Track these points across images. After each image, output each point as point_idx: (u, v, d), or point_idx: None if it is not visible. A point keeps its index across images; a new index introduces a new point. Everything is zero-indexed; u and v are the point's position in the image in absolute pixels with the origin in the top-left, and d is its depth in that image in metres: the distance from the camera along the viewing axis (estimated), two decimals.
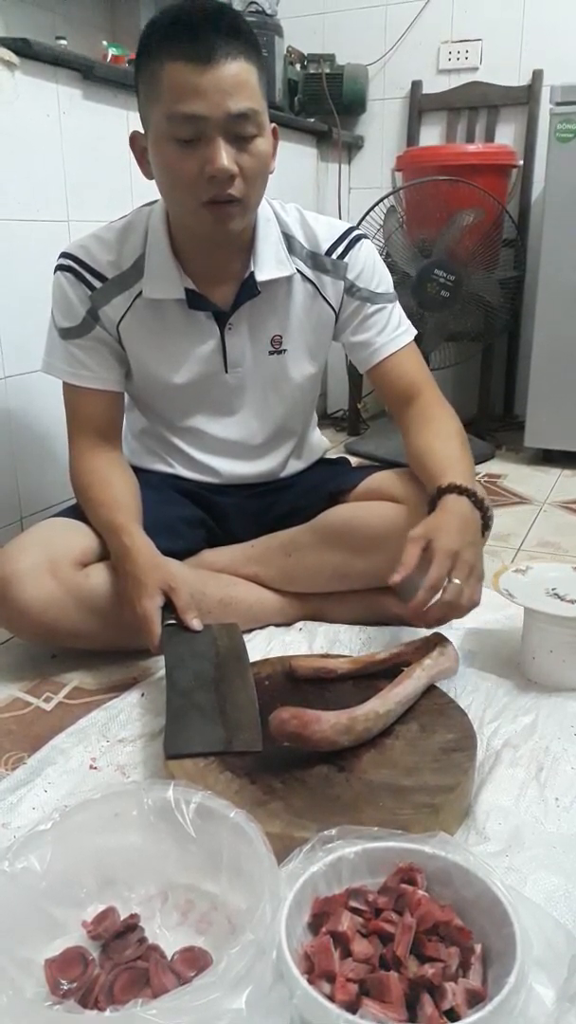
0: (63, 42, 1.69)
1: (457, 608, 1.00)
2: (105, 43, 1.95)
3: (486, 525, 1.10)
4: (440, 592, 0.98)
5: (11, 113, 1.45)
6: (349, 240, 1.23)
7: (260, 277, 1.18)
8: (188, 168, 1.02)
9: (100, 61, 1.70)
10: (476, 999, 0.60)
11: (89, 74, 1.58)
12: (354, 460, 1.52)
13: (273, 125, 1.09)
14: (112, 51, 1.91)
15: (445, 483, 1.09)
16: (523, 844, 0.81)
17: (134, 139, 1.11)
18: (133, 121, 1.68)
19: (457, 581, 0.99)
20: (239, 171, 1.03)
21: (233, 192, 1.03)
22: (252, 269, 1.18)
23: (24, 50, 1.44)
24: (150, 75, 1.01)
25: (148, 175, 1.11)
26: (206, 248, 1.15)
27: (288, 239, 1.21)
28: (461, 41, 2.54)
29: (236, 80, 0.99)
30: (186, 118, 0.99)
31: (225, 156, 1.00)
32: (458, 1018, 0.58)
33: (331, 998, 0.58)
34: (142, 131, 1.09)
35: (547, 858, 0.79)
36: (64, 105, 1.57)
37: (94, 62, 1.60)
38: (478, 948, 0.64)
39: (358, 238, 1.24)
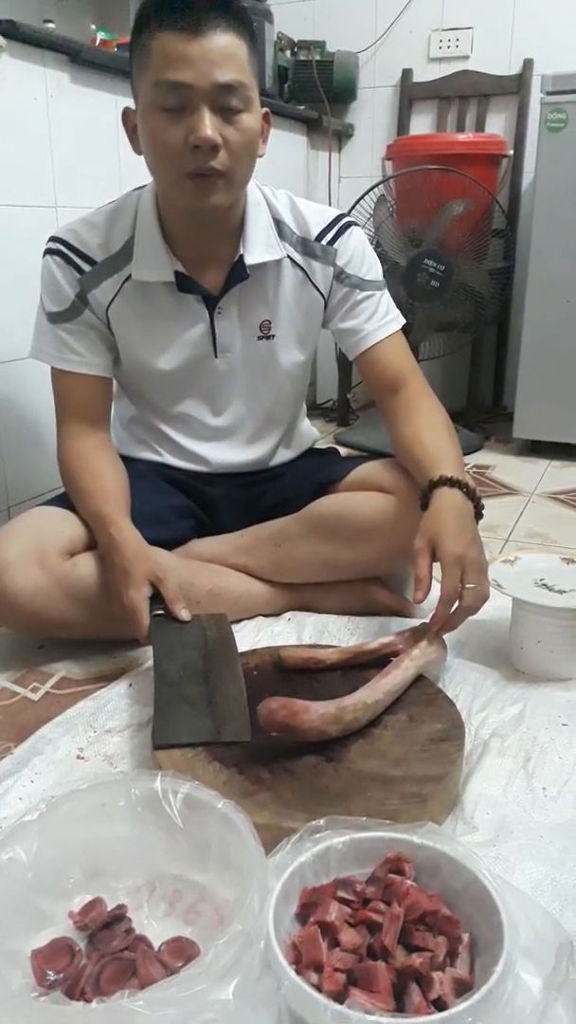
0: (51, 25, 1.67)
1: (472, 611, 1.03)
2: (93, 27, 1.93)
3: (478, 515, 1.10)
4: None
5: None
6: (339, 227, 1.23)
7: (249, 261, 1.17)
8: (172, 137, 1.02)
9: (88, 45, 1.68)
10: (463, 988, 0.60)
11: (77, 58, 1.56)
12: (343, 450, 1.52)
13: (265, 110, 1.09)
14: (100, 35, 1.89)
15: (436, 475, 1.09)
16: (511, 833, 0.81)
17: (126, 115, 1.10)
18: (122, 106, 1.64)
19: (471, 586, 1.01)
20: (224, 143, 1.02)
21: (216, 165, 1.03)
22: (242, 252, 1.17)
23: (11, 32, 1.42)
24: (141, 46, 1.02)
25: (138, 151, 1.10)
26: (194, 229, 1.14)
27: (278, 224, 1.21)
28: (452, 29, 2.53)
29: (224, 52, 0.99)
30: (172, 86, 0.99)
31: (209, 126, 1.00)
32: (445, 1007, 0.58)
33: (319, 988, 0.58)
34: (134, 108, 1.08)
35: (534, 847, 0.79)
36: (52, 89, 1.55)
37: (82, 46, 1.58)
38: (466, 937, 0.64)
39: (348, 225, 1.24)
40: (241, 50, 1.01)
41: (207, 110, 1.00)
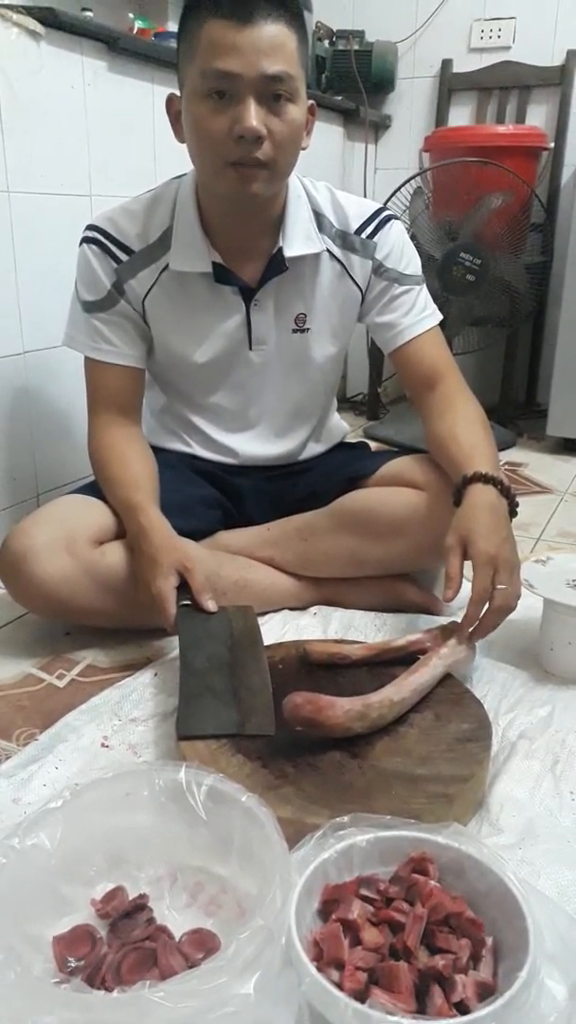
0: (89, 13, 1.66)
1: (507, 612, 1.01)
2: (131, 15, 1.93)
3: (512, 513, 1.08)
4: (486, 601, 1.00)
5: (36, 83, 1.44)
6: (380, 220, 1.22)
7: (289, 253, 1.17)
8: (217, 126, 1.01)
9: (126, 33, 1.67)
10: (486, 992, 0.59)
11: (114, 46, 1.56)
12: (373, 445, 1.51)
13: (311, 102, 1.08)
14: (138, 23, 1.89)
15: (470, 472, 1.08)
16: (537, 837, 0.80)
17: (171, 101, 1.10)
18: (159, 95, 1.66)
19: (502, 587, 0.99)
20: (268, 134, 1.01)
21: (260, 155, 1.02)
22: (281, 245, 1.16)
23: (49, 20, 1.42)
24: (189, 33, 1.01)
25: (181, 139, 1.10)
26: (234, 220, 1.14)
27: (318, 217, 1.20)
28: (494, 19, 2.49)
29: (273, 42, 0.98)
30: (220, 75, 0.98)
31: (255, 116, 0.99)
32: (468, 1011, 0.57)
33: (340, 986, 0.58)
34: (178, 94, 1.08)
35: (561, 852, 0.78)
36: (89, 77, 1.55)
37: (120, 34, 1.58)
38: (489, 941, 0.63)
39: (388, 218, 1.23)
40: (291, 40, 1.00)
41: (253, 100, 0.99)
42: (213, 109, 1.01)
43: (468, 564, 1.02)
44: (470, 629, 1.02)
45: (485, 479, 1.07)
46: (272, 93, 1.00)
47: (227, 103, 1.00)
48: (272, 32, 0.98)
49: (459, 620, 1.07)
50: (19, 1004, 0.54)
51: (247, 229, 1.15)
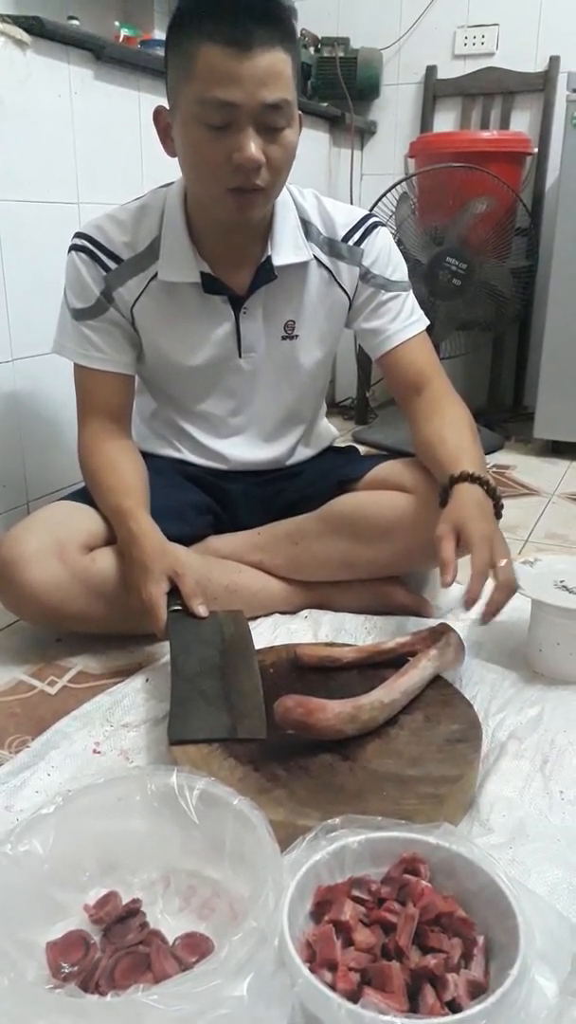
0: (75, 22, 1.67)
1: (512, 588, 0.99)
2: (117, 23, 1.93)
3: (497, 514, 1.09)
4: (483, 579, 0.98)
5: (23, 92, 1.44)
6: (366, 227, 1.23)
7: (277, 262, 1.17)
8: (215, 154, 1.01)
9: (112, 41, 1.68)
10: (478, 991, 0.60)
11: (101, 54, 1.57)
12: (362, 449, 1.52)
13: (299, 113, 1.08)
14: (124, 32, 1.90)
15: (457, 472, 1.08)
16: (527, 836, 0.81)
17: (159, 114, 1.09)
18: (145, 103, 1.66)
19: (503, 562, 0.98)
20: (266, 161, 1.02)
21: (258, 182, 1.03)
22: (269, 253, 1.17)
23: (36, 28, 1.42)
24: (184, 52, 0.99)
25: (171, 153, 1.09)
26: (223, 232, 1.14)
27: (305, 224, 1.21)
28: (477, 26, 2.51)
29: (272, 70, 0.97)
30: (219, 104, 0.98)
31: (254, 146, 0.99)
32: (460, 1009, 0.57)
33: (332, 987, 0.58)
34: (167, 107, 1.07)
35: (551, 851, 0.79)
36: (76, 85, 1.55)
37: (106, 42, 1.58)
38: (481, 940, 0.64)
39: (375, 225, 1.24)
40: (287, 66, 0.99)
41: (252, 129, 0.99)
42: (211, 136, 1.00)
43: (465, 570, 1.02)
44: (480, 611, 0.99)
45: (472, 479, 1.07)
46: (271, 123, 1.00)
47: (226, 131, 0.99)
48: (270, 60, 0.97)
49: (448, 622, 1.09)
50: (13, 1010, 0.54)
51: (235, 239, 1.16)
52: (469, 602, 0.98)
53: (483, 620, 1.00)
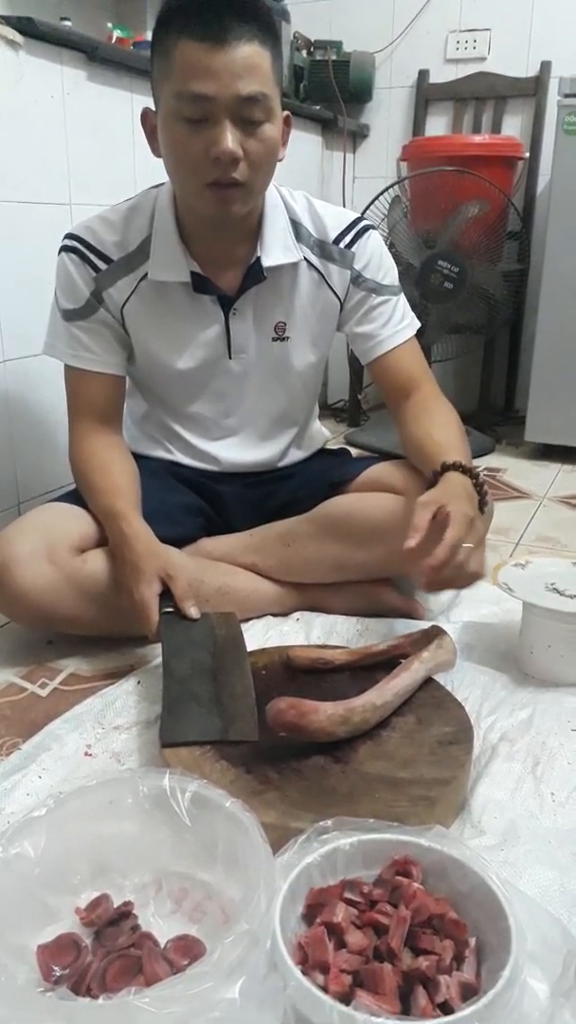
0: (68, 23, 1.67)
1: (464, 574, 0.95)
2: (110, 25, 1.93)
3: (481, 508, 1.08)
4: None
5: (15, 93, 1.44)
6: (357, 230, 1.23)
7: (267, 263, 1.17)
8: (193, 148, 1.01)
9: (105, 42, 1.68)
10: (470, 992, 0.60)
11: (94, 55, 1.57)
12: (354, 451, 1.52)
13: (286, 113, 1.08)
14: (117, 33, 1.90)
15: (449, 461, 1.08)
16: (519, 838, 0.81)
17: (145, 116, 1.10)
18: (138, 104, 1.66)
19: (469, 545, 0.95)
20: (244, 155, 1.02)
21: (237, 176, 1.03)
22: (259, 254, 1.17)
23: (29, 29, 1.42)
24: (163, 51, 1.00)
25: (157, 153, 1.10)
26: (212, 231, 1.14)
27: (296, 226, 1.21)
28: (469, 31, 2.52)
29: (248, 63, 0.98)
30: (194, 97, 0.98)
31: (231, 139, 1.00)
32: (451, 1011, 0.57)
33: (324, 989, 0.58)
34: (153, 109, 1.08)
35: (542, 853, 0.79)
36: (68, 86, 1.55)
37: (99, 43, 1.58)
38: (472, 941, 0.64)
39: (366, 228, 1.24)
40: (265, 60, 1.00)
41: (228, 122, 0.99)
42: (189, 131, 1.01)
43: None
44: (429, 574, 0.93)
45: (460, 469, 1.07)
46: (248, 115, 1.00)
47: (203, 125, 1.00)
48: (246, 53, 0.97)
49: (440, 624, 1.08)
50: (4, 1013, 0.54)
51: (225, 239, 1.16)
52: (425, 571, 0.92)
53: (423, 586, 0.95)
